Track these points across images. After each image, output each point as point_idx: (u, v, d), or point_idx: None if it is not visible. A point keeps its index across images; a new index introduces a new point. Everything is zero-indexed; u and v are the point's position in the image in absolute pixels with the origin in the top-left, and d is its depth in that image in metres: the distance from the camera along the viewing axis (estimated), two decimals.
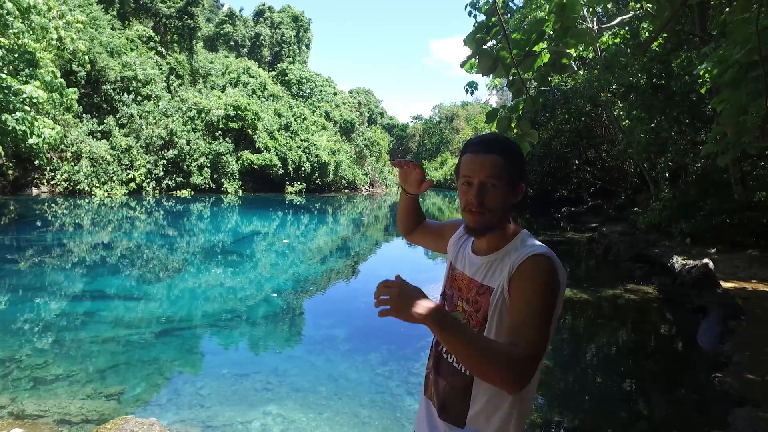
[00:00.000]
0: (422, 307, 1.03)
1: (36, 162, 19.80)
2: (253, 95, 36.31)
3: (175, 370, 4.45)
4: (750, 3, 2.43)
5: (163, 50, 31.95)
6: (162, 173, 27.35)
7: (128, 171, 25.89)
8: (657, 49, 11.04)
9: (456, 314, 1.29)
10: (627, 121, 14.28)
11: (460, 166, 1.25)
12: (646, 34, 11.66)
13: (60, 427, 3.33)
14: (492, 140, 1.23)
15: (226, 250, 11.41)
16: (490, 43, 2.43)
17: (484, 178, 1.19)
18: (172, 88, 31.38)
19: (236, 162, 31.40)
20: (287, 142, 34.70)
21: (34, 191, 22.92)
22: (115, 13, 30.55)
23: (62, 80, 16.34)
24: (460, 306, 1.30)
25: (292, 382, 4.17)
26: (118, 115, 26.76)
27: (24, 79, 14.62)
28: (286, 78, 44.13)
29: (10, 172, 22.15)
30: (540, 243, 1.21)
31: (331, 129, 42.68)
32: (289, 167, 33.81)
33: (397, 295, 1.05)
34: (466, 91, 3.95)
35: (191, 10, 33.40)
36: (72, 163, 23.70)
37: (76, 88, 18.86)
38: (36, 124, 14.17)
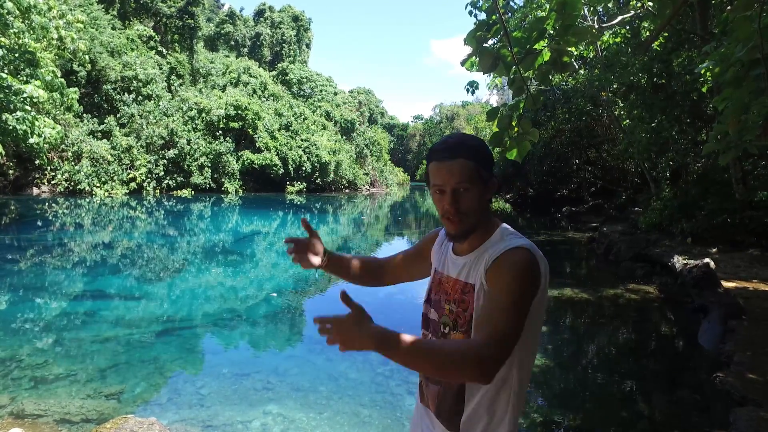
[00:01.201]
0: (364, 336, 1.01)
1: (36, 162, 19.82)
2: (254, 95, 36.34)
3: (176, 369, 4.44)
4: (752, 1, 2.42)
5: (164, 50, 31.97)
6: (162, 173, 27.38)
7: (129, 171, 25.92)
8: (658, 48, 11.03)
9: (445, 318, 1.29)
10: (628, 121, 14.27)
11: (429, 174, 1.24)
12: (647, 33, 11.65)
13: (60, 426, 3.33)
14: (455, 145, 1.21)
15: (226, 250, 11.41)
16: (490, 42, 2.42)
17: (455, 185, 1.18)
18: (172, 87, 31.40)
19: (237, 162, 31.43)
20: (288, 142, 34.72)
21: (35, 191, 22.94)
22: (115, 12, 30.56)
23: (63, 80, 16.35)
24: (447, 308, 1.29)
25: (293, 382, 4.17)
26: (118, 115, 26.79)
27: (24, 78, 14.63)
28: (287, 78, 44.15)
29: (11, 171, 22.18)
30: (519, 236, 1.22)
31: (332, 129, 42.70)
32: (290, 167, 33.83)
33: (337, 331, 1.03)
34: (467, 90, 3.94)
35: (192, 9, 33.42)
36: (72, 163, 23.73)
37: (76, 88, 18.87)
38: (36, 123, 14.18)
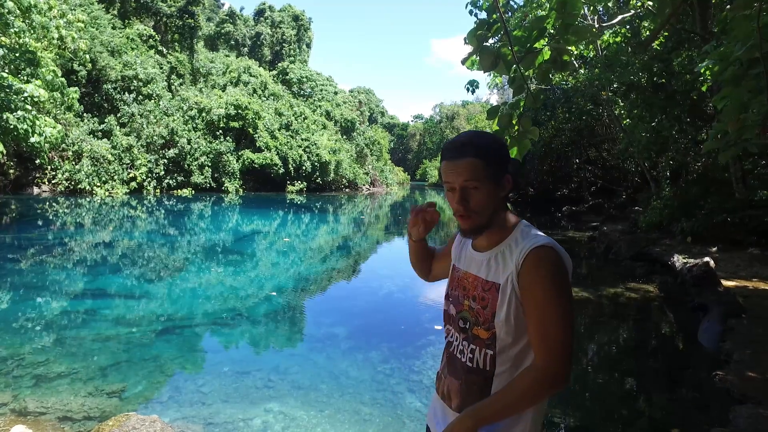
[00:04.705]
0: (463, 424, 1.20)
1: (37, 161, 19.84)
2: (254, 94, 36.35)
3: (177, 367, 4.45)
4: (751, 0, 2.43)
5: (164, 49, 31.97)
6: (163, 172, 27.38)
7: (129, 170, 25.93)
8: (658, 47, 11.04)
9: (464, 314, 1.30)
10: (628, 120, 14.28)
11: (441, 173, 1.27)
12: (647, 33, 11.66)
13: (62, 424, 3.34)
14: (464, 143, 1.21)
15: (226, 249, 11.42)
16: (491, 41, 2.43)
17: (463, 183, 1.20)
18: (172, 87, 31.42)
19: (237, 161, 31.43)
20: (288, 142, 34.73)
21: (35, 190, 22.95)
22: (115, 12, 30.57)
23: (63, 79, 16.38)
24: (467, 305, 1.30)
25: (293, 380, 4.18)
26: (119, 115, 26.79)
27: (25, 78, 14.65)
28: (287, 77, 44.13)
29: (12, 171, 22.19)
30: (540, 233, 1.22)
31: (332, 128, 42.70)
32: (290, 166, 33.84)
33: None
34: (467, 89, 3.95)
35: (192, 9, 33.42)
36: (73, 163, 23.74)
37: (77, 87, 18.89)
38: (37, 123, 14.20)
